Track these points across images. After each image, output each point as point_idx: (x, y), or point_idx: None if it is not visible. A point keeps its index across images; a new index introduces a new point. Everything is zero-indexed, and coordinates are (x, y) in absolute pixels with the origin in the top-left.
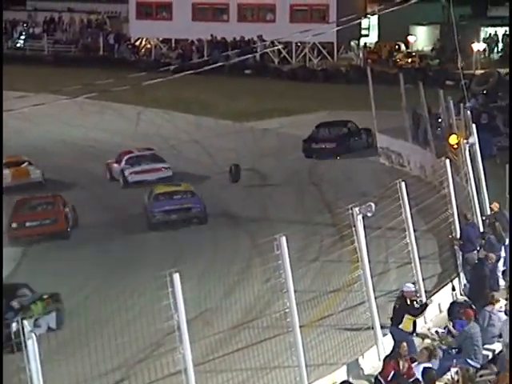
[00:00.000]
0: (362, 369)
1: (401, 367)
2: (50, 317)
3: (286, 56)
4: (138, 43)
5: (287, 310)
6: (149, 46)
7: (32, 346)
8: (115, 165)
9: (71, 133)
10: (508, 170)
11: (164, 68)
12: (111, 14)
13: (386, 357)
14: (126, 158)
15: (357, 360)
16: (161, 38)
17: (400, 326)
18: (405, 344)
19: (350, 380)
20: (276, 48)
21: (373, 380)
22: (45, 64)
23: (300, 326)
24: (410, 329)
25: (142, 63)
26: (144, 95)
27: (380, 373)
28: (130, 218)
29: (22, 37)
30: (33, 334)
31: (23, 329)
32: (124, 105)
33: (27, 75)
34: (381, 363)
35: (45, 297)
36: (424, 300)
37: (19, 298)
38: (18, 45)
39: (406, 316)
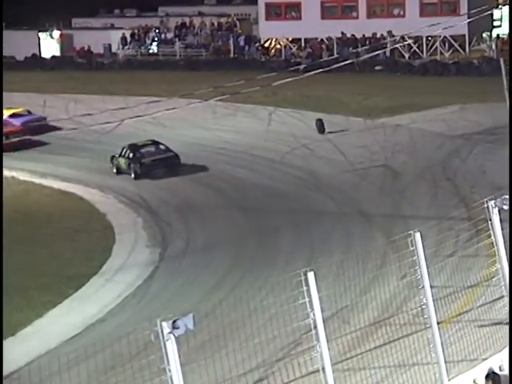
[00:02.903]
0: (502, 364)
1: None
2: (188, 318)
3: (417, 50)
4: (267, 44)
5: (424, 307)
6: (278, 46)
7: (171, 347)
8: None
9: (204, 135)
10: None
11: (294, 67)
12: (241, 16)
13: None
14: None
15: (497, 355)
16: (290, 38)
17: None
18: None
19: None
20: (406, 43)
21: None
22: (177, 68)
23: (438, 323)
24: None
25: (273, 64)
26: (275, 95)
27: None
28: (262, 218)
29: (155, 43)
30: (171, 336)
31: (162, 330)
32: (255, 106)
33: (160, 80)
34: None
35: None
36: None
37: None
38: (151, 51)
39: None
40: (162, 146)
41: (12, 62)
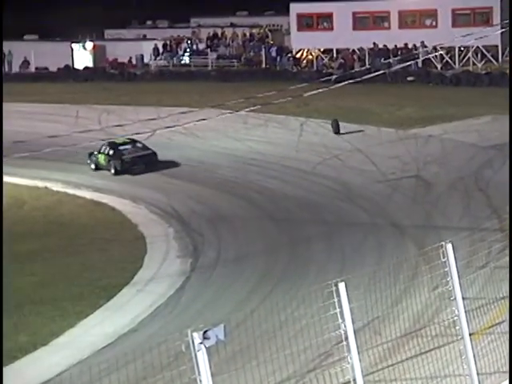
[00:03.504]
0: None
1: None
2: (219, 328)
3: (449, 61)
4: (299, 55)
5: (456, 318)
6: (310, 57)
7: (202, 357)
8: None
9: (235, 146)
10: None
11: (326, 78)
12: (273, 27)
13: None
14: None
15: None
16: (322, 49)
17: None
18: None
19: None
20: (438, 53)
21: None
22: (209, 79)
23: (470, 334)
24: None
25: (304, 74)
26: (307, 106)
27: None
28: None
29: (187, 53)
30: (202, 346)
31: (193, 341)
32: (287, 116)
33: (192, 91)
34: None
35: None
36: None
37: None
38: (183, 61)
39: None
40: (139, 144)
41: (45, 73)
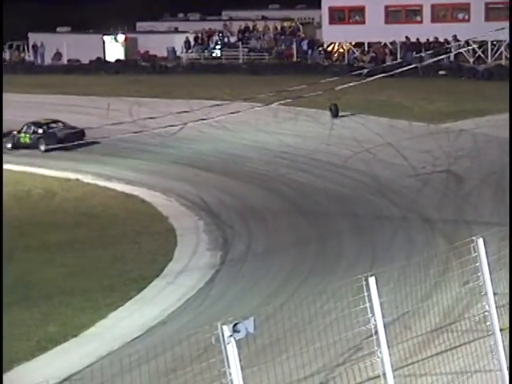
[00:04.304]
0: None
1: None
2: (249, 321)
3: (482, 55)
4: (330, 48)
5: (487, 313)
6: (341, 50)
7: (232, 350)
8: None
9: (266, 139)
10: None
11: (357, 72)
12: (304, 20)
13: None
14: None
15: None
16: (353, 42)
17: None
18: None
19: None
20: (471, 48)
21: None
22: (240, 72)
23: (501, 329)
24: None
25: (335, 68)
26: (338, 99)
27: None
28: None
29: (218, 46)
30: (232, 339)
31: (223, 334)
32: (318, 110)
33: (223, 84)
34: None
35: None
36: None
37: None
38: (214, 54)
39: None
40: (61, 124)
41: (77, 65)
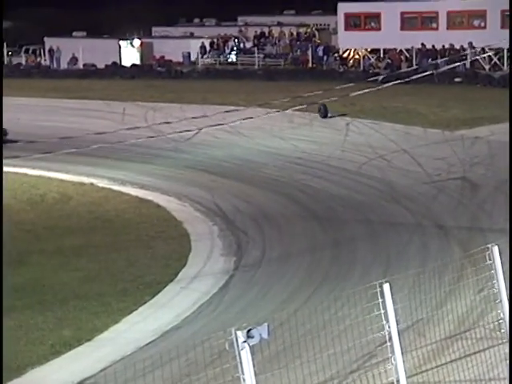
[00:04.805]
0: None
1: None
2: (263, 327)
3: (498, 62)
4: (346, 54)
5: (501, 321)
6: (357, 56)
7: (246, 356)
8: None
9: (281, 145)
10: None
11: (372, 78)
12: (320, 26)
13: None
14: None
15: None
16: (369, 49)
17: None
18: None
19: None
20: (487, 55)
21: None
22: (255, 78)
23: None
24: None
25: (351, 74)
26: (353, 106)
27: None
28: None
29: (233, 52)
30: (246, 345)
31: (236, 339)
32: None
33: (238, 89)
34: None
35: None
36: None
37: None
38: (230, 60)
39: None
40: None
41: (93, 69)
